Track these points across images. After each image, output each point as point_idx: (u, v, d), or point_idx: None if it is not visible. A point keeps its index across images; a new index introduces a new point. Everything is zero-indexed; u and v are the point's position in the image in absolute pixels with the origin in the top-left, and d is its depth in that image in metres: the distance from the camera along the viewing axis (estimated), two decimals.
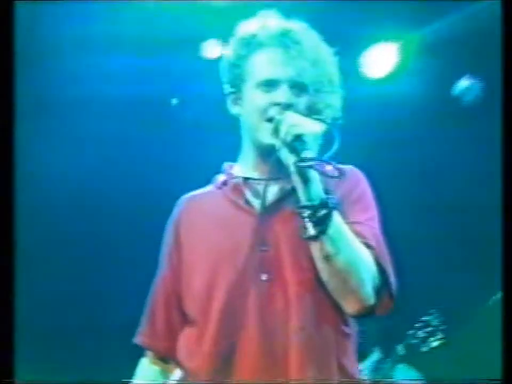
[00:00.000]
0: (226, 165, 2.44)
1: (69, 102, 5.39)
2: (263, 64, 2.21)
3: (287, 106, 2.15)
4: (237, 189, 2.32)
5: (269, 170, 2.30)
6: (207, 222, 2.33)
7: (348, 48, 2.52)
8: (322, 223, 2.04)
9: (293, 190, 2.15)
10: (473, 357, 5.00)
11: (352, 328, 2.26)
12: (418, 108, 5.61)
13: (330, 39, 2.32)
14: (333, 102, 2.24)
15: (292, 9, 2.29)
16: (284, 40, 2.21)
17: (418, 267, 5.79)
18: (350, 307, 2.13)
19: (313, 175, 2.06)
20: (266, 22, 2.27)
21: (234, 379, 2.14)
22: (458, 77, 4.51)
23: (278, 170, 2.26)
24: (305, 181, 2.06)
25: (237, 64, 2.26)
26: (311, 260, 2.12)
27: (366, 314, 2.14)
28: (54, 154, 5.53)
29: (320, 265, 2.09)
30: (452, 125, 5.79)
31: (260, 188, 2.30)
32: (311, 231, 2.05)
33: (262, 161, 2.29)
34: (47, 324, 5.81)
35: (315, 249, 2.09)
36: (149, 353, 2.47)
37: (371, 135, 5.54)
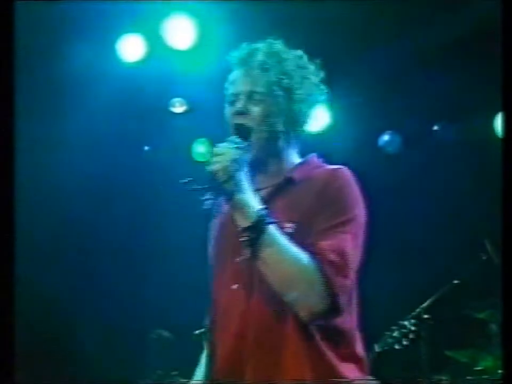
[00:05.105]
0: None
1: (68, 101, 5.40)
2: (231, 82, 2.50)
3: (242, 113, 2.40)
4: None
5: (255, 180, 2.46)
6: (216, 230, 2.53)
7: None
8: (253, 246, 2.22)
9: (268, 199, 2.37)
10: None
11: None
12: None
13: None
14: (287, 107, 2.44)
15: None
16: (246, 60, 2.47)
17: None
18: (299, 313, 2.24)
19: (241, 201, 2.23)
20: (246, 45, 2.53)
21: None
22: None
23: (259, 181, 2.45)
24: (233, 207, 2.25)
25: (226, 87, 2.53)
26: None
27: (318, 319, 2.25)
28: (53, 154, 5.53)
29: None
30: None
31: None
32: (247, 252, 2.23)
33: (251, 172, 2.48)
34: (47, 325, 5.81)
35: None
36: None
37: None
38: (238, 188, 2.24)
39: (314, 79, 2.49)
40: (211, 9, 5.12)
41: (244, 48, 2.51)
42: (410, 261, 6.02)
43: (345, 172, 2.42)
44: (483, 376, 4.93)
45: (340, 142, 6.07)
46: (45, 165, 5.52)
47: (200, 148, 6.41)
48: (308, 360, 2.25)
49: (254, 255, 2.22)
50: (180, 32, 5.28)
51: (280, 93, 2.41)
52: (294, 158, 2.50)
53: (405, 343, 4.89)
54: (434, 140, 6.21)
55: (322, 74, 2.52)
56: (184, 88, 5.74)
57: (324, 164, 2.50)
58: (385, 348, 4.92)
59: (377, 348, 4.94)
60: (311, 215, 2.30)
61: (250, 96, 2.42)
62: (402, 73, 5.56)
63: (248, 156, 2.36)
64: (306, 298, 2.22)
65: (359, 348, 2.38)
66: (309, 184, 2.37)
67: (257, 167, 2.45)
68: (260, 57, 2.44)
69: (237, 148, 2.29)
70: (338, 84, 5.68)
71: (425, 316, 4.97)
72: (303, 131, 2.51)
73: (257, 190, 2.41)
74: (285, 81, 2.42)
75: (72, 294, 5.93)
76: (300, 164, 2.49)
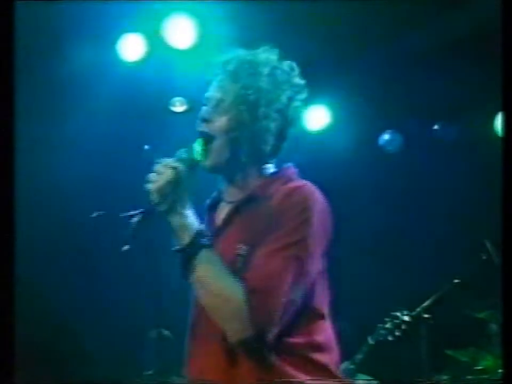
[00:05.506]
0: None
1: (68, 101, 5.40)
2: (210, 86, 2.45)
3: (207, 120, 2.38)
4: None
5: (223, 191, 2.45)
6: None
7: None
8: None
9: (229, 217, 2.35)
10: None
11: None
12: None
13: None
14: (251, 123, 2.35)
15: None
16: (224, 67, 2.40)
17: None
18: (228, 339, 2.21)
19: (174, 223, 2.25)
20: (230, 51, 2.47)
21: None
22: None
23: (231, 193, 2.42)
24: (172, 229, 2.26)
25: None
26: None
27: (245, 346, 2.20)
28: (53, 154, 5.53)
29: None
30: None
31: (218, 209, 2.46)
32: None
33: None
34: (47, 325, 5.81)
35: None
36: None
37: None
38: (172, 210, 2.24)
39: (291, 98, 2.40)
40: (211, 9, 5.12)
41: (227, 53, 2.45)
42: (410, 261, 6.02)
43: (305, 190, 2.30)
44: (483, 376, 4.93)
45: (340, 141, 6.08)
46: (45, 165, 5.51)
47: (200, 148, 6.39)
48: (264, 375, 2.22)
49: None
50: (180, 31, 5.28)
51: (243, 106, 2.34)
52: (264, 170, 2.42)
53: (397, 334, 4.93)
54: (434, 139, 6.21)
55: (305, 93, 2.44)
56: (184, 87, 5.73)
57: (294, 178, 2.40)
58: (379, 339, 4.98)
59: (370, 340, 5.01)
60: (262, 236, 2.23)
61: (217, 104, 2.38)
62: (402, 73, 5.56)
63: (207, 163, 2.34)
64: (231, 326, 2.19)
65: (324, 358, 2.32)
66: (268, 203, 2.29)
67: (225, 178, 2.41)
68: (232, 66, 2.39)
69: (183, 164, 2.27)
70: (339, 83, 5.73)
71: (426, 316, 4.98)
72: (272, 149, 2.40)
73: (229, 202, 2.40)
74: (251, 96, 2.34)
75: (72, 294, 5.93)
76: (269, 176, 2.41)
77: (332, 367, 2.33)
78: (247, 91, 2.34)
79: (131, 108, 5.68)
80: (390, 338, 4.94)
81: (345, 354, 5.20)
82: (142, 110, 5.77)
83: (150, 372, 5.10)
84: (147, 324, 5.63)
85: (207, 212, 2.47)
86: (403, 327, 4.93)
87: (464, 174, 5.81)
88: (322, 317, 2.33)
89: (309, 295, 2.27)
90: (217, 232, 2.37)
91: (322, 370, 2.29)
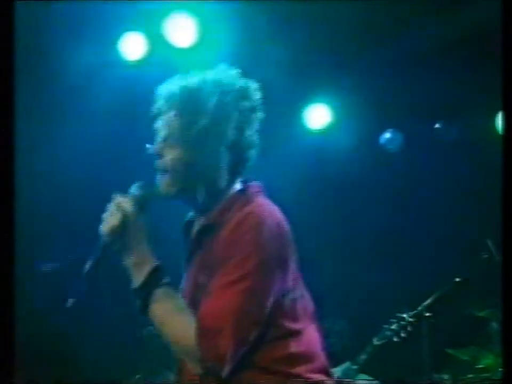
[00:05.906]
0: None
1: (68, 101, 5.39)
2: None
3: (157, 155, 2.29)
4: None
5: (197, 217, 2.37)
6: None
7: None
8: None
9: (195, 239, 2.31)
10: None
11: None
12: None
13: None
14: (199, 157, 2.26)
15: None
16: (168, 101, 2.33)
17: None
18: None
19: (130, 263, 2.24)
20: (174, 80, 2.43)
21: None
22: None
23: (195, 212, 2.36)
24: (126, 268, 2.25)
25: None
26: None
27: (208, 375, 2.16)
28: (53, 154, 5.52)
29: None
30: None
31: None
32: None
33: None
34: (47, 325, 5.81)
35: None
36: None
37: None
38: (124, 250, 2.23)
39: (242, 126, 2.27)
40: (212, 7, 5.12)
41: (171, 84, 2.38)
42: (411, 259, 6.03)
43: (254, 217, 2.17)
44: (484, 375, 4.92)
45: (341, 139, 6.09)
46: (45, 165, 5.51)
47: None
48: None
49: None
50: (181, 30, 5.28)
51: (188, 144, 2.24)
52: (225, 194, 2.29)
53: (403, 335, 4.95)
54: (435, 138, 6.21)
55: (260, 114, 2.31)
56: None
57: (252, 200, 2.25)
58: (384, 340, 4.99)
59: (375, 341, 5.02)
60: (218, 267, 2.16)
61: (165, 139, 2.29)
62: (403, 72, 5.56)
63: (162, 196, 2.29)
64: (187, 362, 2.19)
65: (299, 369, 2.22)
66: (222, 231, 2.20)
67: (189, 205, 2.34)
68: (176, 100, 2.30)
69: (136, 201, 2.26)
70: (340, 81, 5.73)
71: (427, 314, 4.98)
72: (229, 179, 2.28)
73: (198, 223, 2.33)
74: (196, 133, 2.22)
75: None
76: (229, 199, 2.28)
77: (310, 375, 2.23)
78: (191, 128, 2.23)
79: (132, 108, 5.67)
80: (395, 339, 4.97)
81: (345, 355, 5.26)
82: (143, 109, 5.76)
83: (139, 376, 5.12)
84: (145, 323, 5.64)
85: (184, 228, 2.41)
86: (409, 328, 4.96)
87: (464, 173, 5.82)
88: (295, 333, 2.23)
89: (275, 317, 2.18)
90: (190, 251, 2.34)
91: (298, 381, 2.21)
